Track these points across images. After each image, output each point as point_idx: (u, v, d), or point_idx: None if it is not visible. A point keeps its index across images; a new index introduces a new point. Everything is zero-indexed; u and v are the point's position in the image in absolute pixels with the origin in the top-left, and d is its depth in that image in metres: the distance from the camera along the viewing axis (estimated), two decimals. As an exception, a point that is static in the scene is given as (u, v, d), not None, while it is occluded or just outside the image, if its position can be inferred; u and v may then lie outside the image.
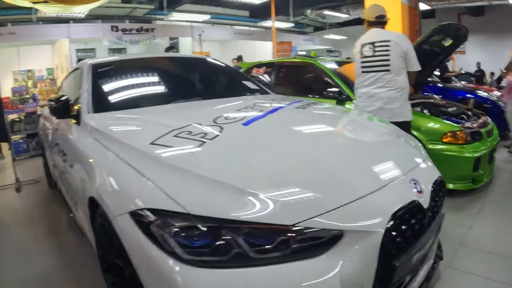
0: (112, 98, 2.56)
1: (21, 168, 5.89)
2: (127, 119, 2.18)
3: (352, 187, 1.43)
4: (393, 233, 1.36)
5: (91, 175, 1.76)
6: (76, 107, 2.45)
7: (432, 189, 1.67)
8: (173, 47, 6.20)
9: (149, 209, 1.28)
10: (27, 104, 6.76)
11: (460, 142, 3.46)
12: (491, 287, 2.10)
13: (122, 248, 1.38)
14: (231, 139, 1.71)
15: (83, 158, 1.98)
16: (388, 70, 3.02)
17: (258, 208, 1.23)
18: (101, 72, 2.75)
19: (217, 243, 1.17)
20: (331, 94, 4.10)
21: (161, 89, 2.85)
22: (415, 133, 3.55)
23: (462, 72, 10.94)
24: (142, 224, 1.28)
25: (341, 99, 4.02)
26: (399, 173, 1.62)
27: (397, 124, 2.52)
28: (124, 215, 1.35)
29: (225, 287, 1.15)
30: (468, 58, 13.79)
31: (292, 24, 16.21)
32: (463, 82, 9.29)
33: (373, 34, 3.12)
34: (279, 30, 15.51)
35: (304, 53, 12.08)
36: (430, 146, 3.49)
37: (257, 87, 3.21)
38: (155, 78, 2.94)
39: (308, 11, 14.08)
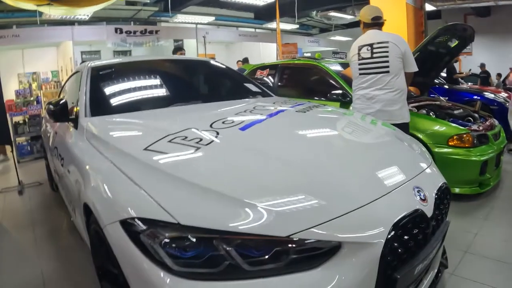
0: (110, 101, 2.53)
1: (24, 171, 5.92)
2: (124, 123, 2.15)
3: (352, 196, 1.36)
4: (395, 244, 1.30)
5: (85, 181, 1.73)
6: (75, 110, 2.43)
7: (436, 196, 1.61)
8: (181, 48, 6.13)
9: (140, 218, 1.24)
10: (31, 107, 6.80)
11: (466, 145, 3.40)
12: (498, 296, 2.03)
13: (114, 256, 1.34)
14: (227, 145, 1.65)
15: (77, 163, 1.95)
16: (387, 72, 2.99)
17: (251, 218, 1.18)
18: (100, 75, 2.73)
19: (208, 254, 1.13)
20: (334, 96, 4.06)
21: (160, 92, 2.81)
22: (420, 136, 3.50)
23: (471, 73, 10.81)
24: (132, 234, 1.24)
25: (345, 101, 3.97)
26: (402, 180, 1.56)
27: (395, 126, 2.49)
28: (115, 224, 1.31)
29: None
30: (475, 59, 13.63)
31: (297, 26, 16.16)
32: (469, 84, 9.17)
33: (371, 35, 3.09)
34: (285, 31, 15.48)
35: (309, 54, 12.03)
36: (436, 150, 3.43)
37: (259, 90, 3.16)
38: (154, 81, 2.90)
39: (314, 13, 14.03)
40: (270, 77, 5.35)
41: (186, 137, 1.67)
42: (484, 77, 11.93)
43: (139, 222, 1.23)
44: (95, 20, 11.29)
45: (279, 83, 5.17)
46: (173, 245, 1.15)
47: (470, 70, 10.94)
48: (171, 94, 2.72)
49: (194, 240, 1.14)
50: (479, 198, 3.52)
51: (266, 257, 1.13)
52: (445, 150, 3.41)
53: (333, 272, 1.17)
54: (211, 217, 1.19)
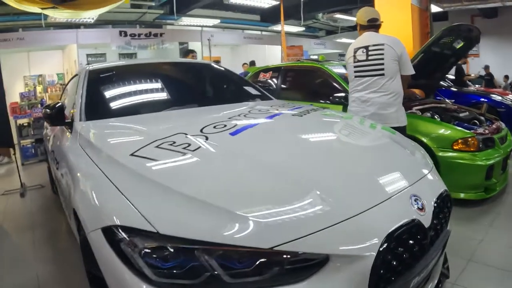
0: (105, 105, 2.50)
1: (27, 173, 5.97)
2: (116, 127, 2.11)
3: (342, 206, 1.28)
4: (388, 256, 1.22)
5: (74, 185, 1.69)
6: (71, 113, 2.42)
7: (435, 205, 1.52)
8: (192, 50, 6.04)
9: (120, 226, 1.20)
10: (35, 109, 6.84)
11: (471, 149, 3.31)
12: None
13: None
14: (215, 150, 1.59)
15: (69, 167, 1.92)
16: (382, 75, 2.94)
17: (234, 228, 1.12)
18: (97, 79, 2.71)
19: (189, 265, 1.08)
20: (337, 99, 3.99)
21: (156, 96, 2.77)
22: (424, 139, 3.43)
23: (480, 75, 10.66)
24: (114, 242, 1.20)
25: (348, 104, 3.89)
26: (398, 188, 1.48)
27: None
28: (97, 231, 1.27)
29: None
30: (482, 61, 13.45)
31: (303, 28, 16.08)
32: (476, 86, 9.04)
33: (366, 38, 3.05)
34: (290, 34, 15.40)
35: (316, 57, 11.94)
36: (440, 154, 3.35)
37: (258, 93, 3.10)
38: (152, 85, 2.87)
39: (320, 15, 13.97)
40: (273, 79, 5.31)
41: (174, 142, 1.63)
42: (488, 79, 11.76)
43: (120, 230, 1.19)
44: (100, 23, 11.33)
45: (282, 86, 5.12)
46: (153, 255, 1.10)
47: (479, 72, 10.78)
48: (168, 98, 2.69)
49: (172, 250, 1.09)
50: (484, 203, 3.42)
51: (249, 269, 1.08)
52: (450, 154, 3.33)
53: (320, 286, 1.11)
54: (192, 226, 1.14)
